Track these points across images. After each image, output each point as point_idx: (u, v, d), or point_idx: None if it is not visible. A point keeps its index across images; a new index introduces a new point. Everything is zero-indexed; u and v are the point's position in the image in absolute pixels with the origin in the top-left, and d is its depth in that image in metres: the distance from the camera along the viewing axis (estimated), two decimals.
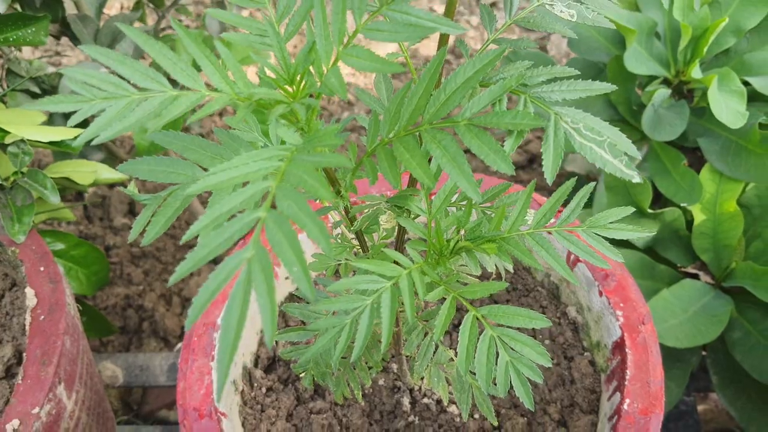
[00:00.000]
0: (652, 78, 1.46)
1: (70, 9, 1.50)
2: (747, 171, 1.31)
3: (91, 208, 2.10)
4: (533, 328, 1.14)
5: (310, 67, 0.50)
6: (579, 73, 0.52)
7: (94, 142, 0.45)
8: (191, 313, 0.39)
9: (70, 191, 1.42)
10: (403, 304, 0.60)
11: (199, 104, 0.49)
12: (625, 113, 1.49)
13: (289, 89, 0.51)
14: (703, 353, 1.41)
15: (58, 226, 2.01)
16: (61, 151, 1.33)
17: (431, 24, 0.47)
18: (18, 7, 1.37)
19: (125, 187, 2.09)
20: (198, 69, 0.51)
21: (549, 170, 0.51)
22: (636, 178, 0.49)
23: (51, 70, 1.50)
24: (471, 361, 0.57)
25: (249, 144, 0.57)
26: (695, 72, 1.35)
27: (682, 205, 1.37)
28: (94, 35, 1.50)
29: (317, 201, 0.69)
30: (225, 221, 0.41)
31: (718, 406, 1.61)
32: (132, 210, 2.12)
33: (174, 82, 1.04)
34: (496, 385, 0.61)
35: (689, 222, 1.38)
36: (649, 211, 1.36)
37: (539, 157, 2.13)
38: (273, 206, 0.41)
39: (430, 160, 0.56)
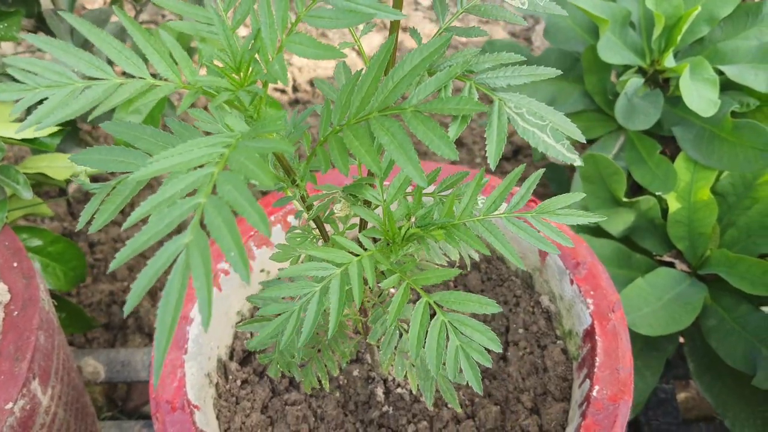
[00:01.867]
0: (627, 67, 1.46)
1: (45, 4, 1.49)
2: (720, 159, 1.32)
3: (75, 204, 2.09)
4: (507, 318, 1.15)
5: (256, 56, 0.51)
6: (525, 59, 0.52)
7: (36, 130, 0.45)
8: (130, 299, 0.39)
9: (47, 186, 1.42)
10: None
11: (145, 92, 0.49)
12: (600, 103, 1.49)
13: (236, 77, 0.51)
14: (681, 341, 1.42)
15: (41, 223, 2.01)
16: (35, 148, 1.33)
17: (371, 10, 0.48)
18: None
19: (96, 181, 2.09)
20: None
21: (492, 155, 0.51)
22: (577, 161, 0.50)
23: None
24: (422, 346, 0.58)
25: (201, 133, 0.58)
26: (669, 61, 1.36)
27: (657, 193, 1.37)
28: (70, 30, 1.50)
29: (278, 191, 0.69)
30: (166, 207, 0.41)
31: (699, 394, 1.61)
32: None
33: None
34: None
35: (664, 210, 1.39)
36: (625, 200, 1.36)
37: (525, 148, 2.13)
38: (214, 192, 0.41)
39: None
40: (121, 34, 1.54)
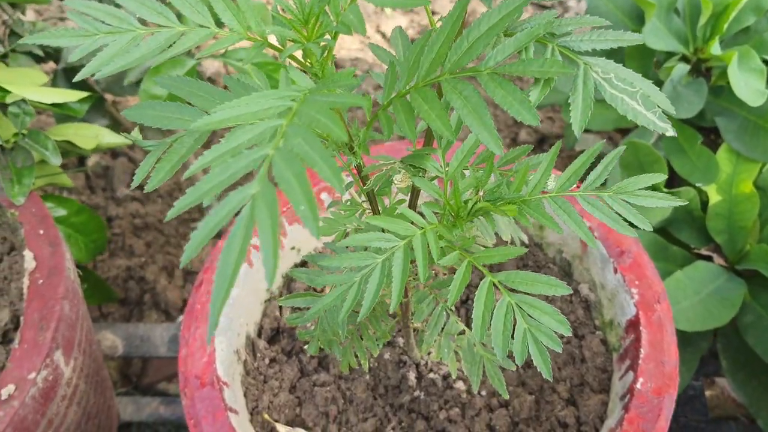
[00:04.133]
0: (670, 54, 1.42)
1: None
2: (765, 151, 1.28)
3: (93, 178, 2.07)
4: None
5: (326, 8, 0.47)
6: (610, 23, 0.49)
7: (97, 76, 0.42)
8: (189, 246, 0.36)
9: (72, 155, 1.39)
10: (414, 270, 0.57)
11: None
12: None
13: (303, 31, 0.48)
14: (714, 337, 1.38)
15: (61, 192, 1.98)
16: (63, 114, 1.30)
17: None
18: None
19: (125, 154, 2.07)
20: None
21: (577, 122, 0.48)
22: (670, 131, 0.46)
23: None
24: (486, 330, 0.55)
25: (258, 90, 0.54)
26: (714, 49, 1.32)
27: (697, 185, 1.33)
28: None
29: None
30: (231, 158, 0.38)
31: (724, 393, 1.58)
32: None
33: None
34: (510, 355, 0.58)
35: (704, 203, 1.35)
36: (664, 190, 1.33)
37: (550, 138, 2.09)
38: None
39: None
40: None
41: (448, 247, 0.59)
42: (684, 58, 1.44)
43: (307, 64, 0.50)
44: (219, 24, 0.46)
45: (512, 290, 0.57)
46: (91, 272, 1.46)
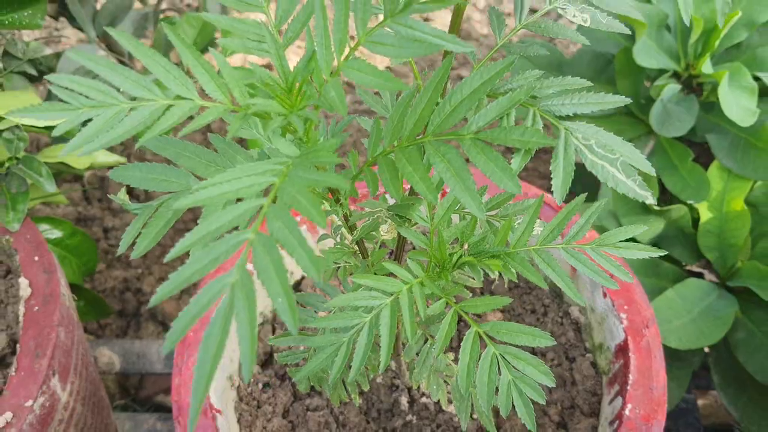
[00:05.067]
0: (661, 71, 1.43)
1: None
2: (756, 169, 1.29)
3: (90, 189, 2.07)
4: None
5: (310, 77, 0.48)
6: (591, 84, 0.50)
7: (80, 155, 0.42)
8: (170, 336, 0.37)
9: (66, 174, 1.40)
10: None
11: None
12: (632, 106, 1.46)
13: (287, 100, 0.48)
14: (705, 351, 1.39)
15: (56, 208, 1.99)
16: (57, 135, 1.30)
17: (437, 41, 0.45)
18: None
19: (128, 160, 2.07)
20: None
21: (558, 190, 0.48)
22: (650, 199, 0.47)
23: (48, 51, 1.47)
24: (472, 379, 0.55)
25: (244, 151, 0.55)
26: (706, 66, 1.32)
27: (688, 202, 1.34)
28: (92, 16, 1.47)
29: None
30: (213, 240, 0.39)
31: (718, 401, 1.59)
32: (131, 191, 2.09)
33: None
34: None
35: (695, 220, 1.36)
36: (655, 207, 1.33)
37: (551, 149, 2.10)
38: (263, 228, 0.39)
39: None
40: (143, 23, 1.51)
41: (434, 295, 0.60)
42: (675, 75, 1.44)
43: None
44: (204, 95, 0.47)
45: (497, 341, 0.58)
46: (86, 290, 1.47)
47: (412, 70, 0.59)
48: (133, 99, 0.45)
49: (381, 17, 0.47)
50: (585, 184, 1.56)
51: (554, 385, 0.55)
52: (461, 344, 0.57)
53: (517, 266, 0.55)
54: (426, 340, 0.77)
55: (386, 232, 0.62)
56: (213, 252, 0.38)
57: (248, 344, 0.35)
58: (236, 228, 0.40)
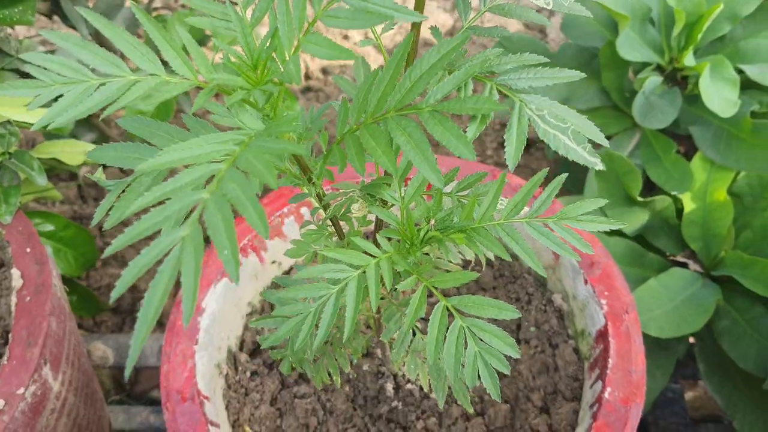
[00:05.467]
0: (645, 65, 1.44)
1: None
2: (738, 160, 1.30)
3: (85, 188, 2.09)
4: (520, 315, 1.14)
5: (274, 54, 0.50)
6: (547, 60, 0.51)
7: (50, 127, 0.44)
8: (119, 285, 0.39)
9: (60, 171, 1.42)
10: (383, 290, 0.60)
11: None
12: (617, 100, 1.48)
13: (253, 75, 0.50)
14: (691, 341, 1.41)
15: (52, 207, 2.01)
16: (50, 132, 1.33)
17: (388, 11, 0.47)
18: None
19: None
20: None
21: (511, 157, 0.50)
22: (599, 165, 0.49)
23: (41, 49, 1.49)
24: (440, 351, 0.57)
25: (216, 129, 0.57)
26: (689, 59, 1.34)
27: (672, 193, 1.36)
28: None
29: (294, 187, 0.68)
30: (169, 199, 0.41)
31: (707, 393, 1.60)
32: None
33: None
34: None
35: (679, 210, 1.38)
36: (639, 199, 1.35)
37: (537, 141, 2.12)
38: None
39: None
40: (135, 20, 1.53)
41: (406, 272, 0.62)
42: (659, 68, 1.46)
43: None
44: (170, 71, 0.49)
45: (465, 314, 0.59)
46: (79, 284, 1.49)
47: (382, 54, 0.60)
48: (103, 76, 0.47)
49: None
50: (572, 178, 1.58)
51: (518, 356, 0.57)
52: (430, 317, 0.59)
53: (482, 239, 0.57)
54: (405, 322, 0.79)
55: (357, 210, 0.64)
56: (168, 209, 0.40)
57: (191, 292, 0.36)
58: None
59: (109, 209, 0.53)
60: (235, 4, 0.55)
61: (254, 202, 0.37)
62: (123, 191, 0.52)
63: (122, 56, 0.59)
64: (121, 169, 1.90)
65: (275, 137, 0.45)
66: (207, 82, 0.48)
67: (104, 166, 0.61)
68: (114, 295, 0.36)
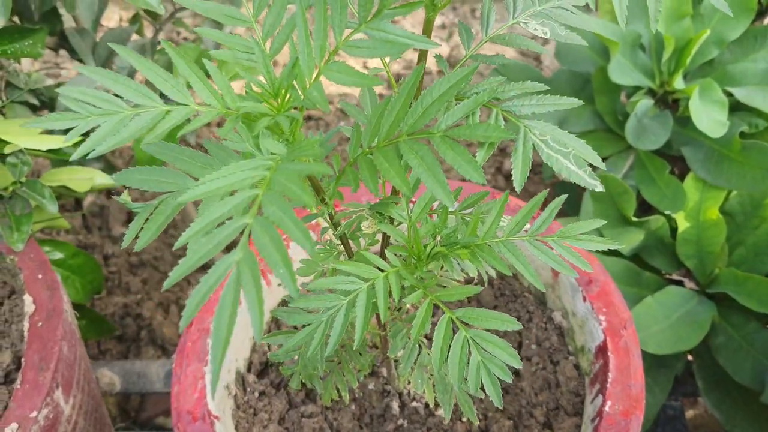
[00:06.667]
0: (637, 88, 1.49)
1: (68, 22, 1.53)
2: (729, 179, 1.35)
3: (89, 217, 2.12)
4: (519, 334, 1.17)
5: (294, 82, 0.53)
6: (548, 88, 0.55)
7: (90, 156, 0.48)
8: (185, 314, 0.42)
9: (67, 198, 1.45)
10: (391, 306, 0.63)
11: (189, 118, 0.52)
12: (611, 123, 1.52)
13: (274, 103, 0.54)
14: (690, 358, 1.44)
15: (57, 235, 2.04)
16: (59, 158, 1.36)
17: (407, 41, 0.51)
18: (17, 20, 1.40)
19: (119, 194, 2.13)
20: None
21: (518, 180, 0.54)
22: (598, 187, 0.52)
23: (50, 82, 1.53)
24: (445, 361, 0.60)
25: (236, 154, 0.60)
26: (678, 83, 1.39)
27: (666, 212, 1.40)
28: (92, 48, 1.54)
29: (305, 209, 0.72)
30: (214, 228, 0.44)
31: (707, 411, 1.63)
32: (130, 220, 2.14)
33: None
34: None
35: (674, 229, 1.42)
36: (634, 219, 1.39)
37: (535, 165, 2.16)
38: (259, 213, 0.44)
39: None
40: (142, 52, 1.57)
41: (412, 287, 0.65)
42: (651, 92, 1.51)
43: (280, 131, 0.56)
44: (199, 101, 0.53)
45: (469, 325, 0.62)
46: (89, 309, 1.52)
47: (389, 78, 0.64)
48: (136, 106, 0.51)
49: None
50: (569, 200, 1.62)
51: (520, 366, 0.60)
52: (436, 328, 0.62)
53: (485, 255, 0.61)
54: (411, 337, 0.82)
55: (367, 227, 0.67)
56: (216, 237, 0.43)
57: (257, 309, 0.40)
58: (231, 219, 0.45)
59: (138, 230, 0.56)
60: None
61: (296, 221, 0.41)
62: (150, 214, 0.56)
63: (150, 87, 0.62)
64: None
65: (299, 160, 0.49)
66: (233, 110, 0.51)
67: (126, 188, 0.65)
68: (182, 324, 0.40)
